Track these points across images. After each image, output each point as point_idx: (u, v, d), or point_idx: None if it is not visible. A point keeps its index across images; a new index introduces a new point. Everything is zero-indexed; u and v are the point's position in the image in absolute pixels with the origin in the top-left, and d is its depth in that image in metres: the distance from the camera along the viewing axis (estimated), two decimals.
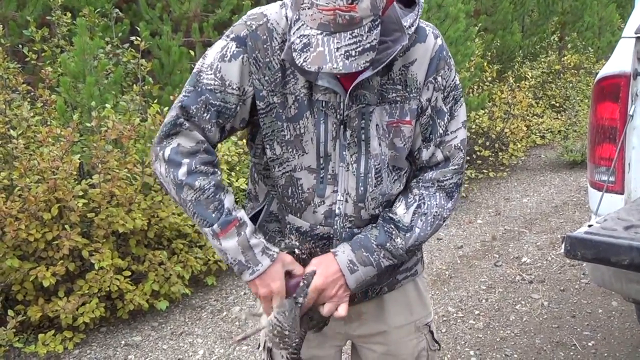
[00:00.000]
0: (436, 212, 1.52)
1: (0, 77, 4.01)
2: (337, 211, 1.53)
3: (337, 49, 1.27)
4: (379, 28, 1.30)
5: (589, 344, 3.43)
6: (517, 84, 8.14)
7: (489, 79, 7.79)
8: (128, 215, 3.62)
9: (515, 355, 3.34)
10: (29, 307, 3.40)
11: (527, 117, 8.06)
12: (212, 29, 5.83)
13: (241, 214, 1.47)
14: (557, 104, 9.30)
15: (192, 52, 5.42)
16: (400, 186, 1.57)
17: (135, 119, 4.01)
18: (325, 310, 1.49)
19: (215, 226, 1.43)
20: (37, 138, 3.66)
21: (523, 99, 7.68)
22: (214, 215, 1.43)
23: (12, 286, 3.41)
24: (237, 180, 4.39)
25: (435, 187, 1.53)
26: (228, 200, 1.46)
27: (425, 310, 1.73)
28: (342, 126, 1.46)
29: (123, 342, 3.59)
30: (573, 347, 3.40)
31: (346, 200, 1.52)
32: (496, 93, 7.67)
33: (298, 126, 1.47)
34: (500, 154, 7.33)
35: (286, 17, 1.44)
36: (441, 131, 1.52)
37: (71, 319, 3.41)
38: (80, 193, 3.49)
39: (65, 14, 4.92)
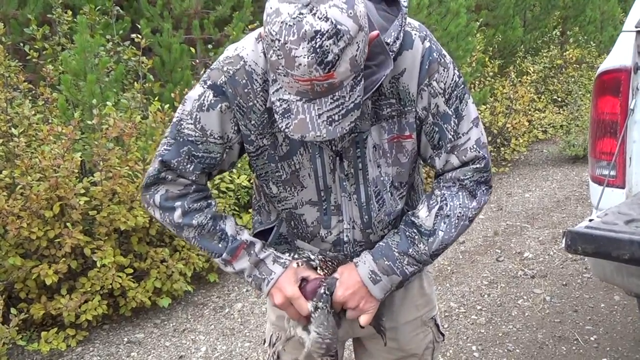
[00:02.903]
0: (460, 212, 1.45)
1: (1, 75, 4.01)
2: (345, 239, 1.52)
3: (319, 115, 1.21)
4: (362, 82, 1.23)
5: (591, 338, 3.43)
6: (519, 79, 8.14)
7: (491, 74, 7.79)
8: (130, 212, 3.63)
9: (518, 350, 3.34)
10: (31, 305, 3.41)
11: (529, 112, 8.05)
12: (212, 26, 5.82)
13: (246, 236, 1.49)
14: (559, 99, 9.28)
15: (192, 50, 5.42)
16: (406, 199, 1.55)
17: (136, 116, 4.01)
18: (347, 315, 1.49)
19: (224, 255, 1.47)
20: (39, 136, 3.67)
21: (525, 93, 7.67)
22: (220, 245, 1.48)
23: (14, 284, 3.42)
24: (238, 177, 4.39)
25: (457, 186, 1.46)
26: (229, 227, 1.49)
27: (431, 304, 1.73)
28: (338, 158, 1.42)
29: (126, 339, 3.60)
30: (575, 342, 3.40)
31: (353, 228, 1.50)
32: (498, 88, 7.67)
33: (292, 162, 1.43)
34: (502, 149, 7.32)
35: (264, 54, 1.35)
36: (450, 136, 1.43)
37: (74, 317, 3.42)
38: (82, 191, 3.49)
39: (66, 12, 4.92)
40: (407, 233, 1.46)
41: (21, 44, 4.93)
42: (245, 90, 1.37)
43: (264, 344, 1.60)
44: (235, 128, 1.42)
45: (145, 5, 5.67)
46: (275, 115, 1.25)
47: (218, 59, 1.42)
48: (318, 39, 1.13)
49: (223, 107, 1.39)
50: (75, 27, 4.53)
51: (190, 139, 1.42)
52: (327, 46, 1.14)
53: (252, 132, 1.41)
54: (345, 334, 1.68)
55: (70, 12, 4.94)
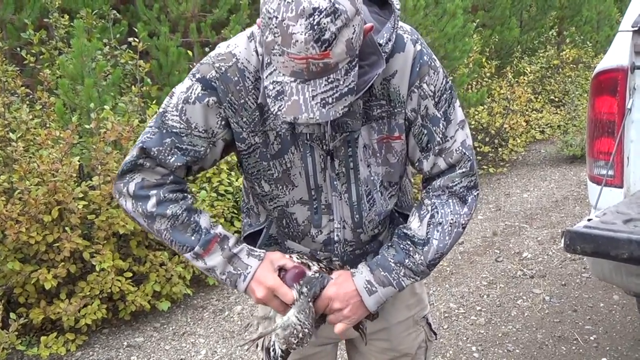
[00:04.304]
0: (452, 219, 1.45)
1: None
2: (335, 238, 1.51)
3: (313, 97, 1.19)
4: (356, 68, 1.23)
5: (591, 338, 3.43)
6: (516, 80, 8.15)
7: (488, 74, 7.79)
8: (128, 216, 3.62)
9: (517, 351, 3.34)
10: (31, 310, 3.41)
11: (527, 113, 8.07)
12: (209, 29, 5.82)
13: (220, 229, 1.45)
14: (556, 99, 9.30)
15: (190, 53, 5.41)
16: (396, 199, 1.55)
17: (134, 120, 4.02)
18: (329, 319, 1.47)
19: (197, 248, 1.42)
20: (37, 140, 3.67)
21: (522, 94, 7.68)
22: (193, 238, 1.42)
23: (13, 289, 3.41)
24: (237, 180, 4.39)
25: (447, 194, 1.46)
26: (204, 220, 1.44)
27: (422, 304, 1.73)
28: (329, 157, 1.42)
29: (125, 343, 3.59)
30: (575, 342, 3.40)
31: (343, 227, 1.50)
32: (495, 89, 7.68)
33: (284, 161, 1.42)
34: (500, 149, 7.33)
35: (256, 52, 1.36)
36: (439, 139, 1.44)
37: (73, 321, 3.42)
38: (81, 195, 3.49)
39: (62, 16, 4.92)
40: (402, 245, 1.45)
41: (18, 49, 4.92)
42: (237, 87, 1.37)
43: (256, 347, 1.58)
44: (223, 123, 1.41)
45: (142, 8, 5.67)
46: (268, 99, 1.23)
47: (209, 54, 1.41)
48: (316, 16, 1.13)
49: (210, 101, 1.38)
50: (72, 31, 4.53)
51: (174, 130, 1.40)
52: (324, 24, 1.14)
53: (244, 129, 1.41)
54: (338, 336, 1.65)
55: (67, 17, 4.93)
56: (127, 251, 3.80)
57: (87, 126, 3.86)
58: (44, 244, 3.35)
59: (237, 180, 4.40)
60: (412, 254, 1.44)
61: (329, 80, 1.20)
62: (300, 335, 1.38)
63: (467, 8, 7.33)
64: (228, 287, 4.26)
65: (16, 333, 3.21)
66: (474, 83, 7.45)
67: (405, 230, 1.47)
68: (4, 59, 4.41)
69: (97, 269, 3.46)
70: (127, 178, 1.43)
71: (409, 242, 1.45)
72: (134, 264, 3.78)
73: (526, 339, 3.46)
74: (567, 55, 9.40)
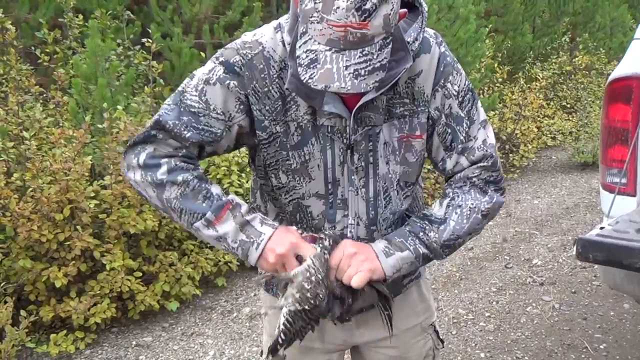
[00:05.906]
0: (472, 204, 1.47)
1: (13, 78, 4.05)
2: (348, 235, 1.50)
3: (346, 67, 1.21)
4: (390, 46, 1.25)
5: (601, 346, 3.41)
6: (528, 85, 8.12)
7: (500, 80, 7.77)
8: (139, 216, 3.64)
9: (526, 358, 3.32)
10: (41, 308, 3.42)
11: (538, 119, 8.03)
12: (222, 30, 5.85)
13: (232, 196, 1.43)
14: (568, 105, 9.25)
15: (202, 54, 5.43)
16: (410, 201, 1.56)
17: (146, 120, 4.03)
18: (347, 273, 1.38)
19: (208, 214, 1.38)
20: (50, 139, 3.69)
21: (534, 100, 7.66)
22: (204, 204, 1.38)
23: (24, 286, 3.43)
24: (247, 182, 4.40)
25: (468, 185, 1.49)
26: (215, 188, 1.42)
27: (429, 311, 1.73)
28: (349, 151, 1.43)
29: (134, 342, 3.60)
30: (584, 350, 3.38)
31: (357, 224, 1.49)
32: (507, 94, 7.65)
33: (303, 153, 1.43)
34: (511, 155, 7.30)
35: (282, 43, 1.38)
36: (462, 137, 1.47)
37: (83, 320, 3.43)
38: (92, 194, 3.51)
39: (77, 16, 4.95)
40: (419, 223, 1.47)
41: (32, 48, 4.96)
42: (262, 75, 1.39)
43: (261, 355, 1.56)
44: (241, 108, 1.41)
45: (155, 10, 5.71)
46: (299, 69, 1.24)
47: (234, 41, 1.43)
48: None
49: (231, 84, 1.39)
50: (87, 31, 4.56)
51: (192, 110, 1.39)
52: None
53: (266, 117, 1.42)
54: (344, 342, 1.66)
55: (81, 17, 4.97)
56: (137, 251, 3.82)
57: (99, 126, 3.88)
58: (55, 242, 3.37)
59: (247, 182, 4.41)
60: (427, 231, 1.45)
61: (364, 53, 1.22)
62: (313, 279, 1.33)
63: (479, 13, 7.32)
64: (237, 289, 4.27)
65: (26, 330, 3.23)
66: (486, 88, 7.42)
67: (424, 212, 1.50)
68: (19, 57, 4.44)
69: (107, 268, 3.47)
70: (139, 149, 1.41)
71: (426, 222, 1.47)
72: (144, 263, 3.79)
73: (535, 347, 3.44)
74: (580, 62, 9.36)
